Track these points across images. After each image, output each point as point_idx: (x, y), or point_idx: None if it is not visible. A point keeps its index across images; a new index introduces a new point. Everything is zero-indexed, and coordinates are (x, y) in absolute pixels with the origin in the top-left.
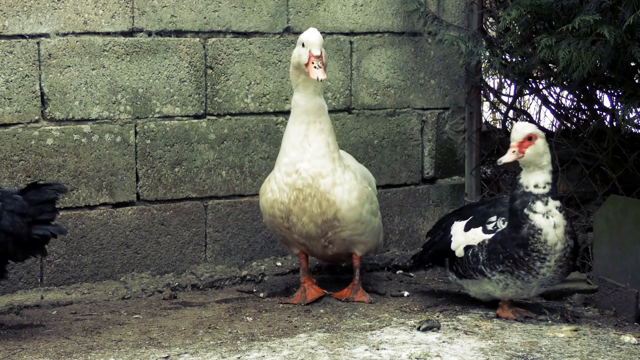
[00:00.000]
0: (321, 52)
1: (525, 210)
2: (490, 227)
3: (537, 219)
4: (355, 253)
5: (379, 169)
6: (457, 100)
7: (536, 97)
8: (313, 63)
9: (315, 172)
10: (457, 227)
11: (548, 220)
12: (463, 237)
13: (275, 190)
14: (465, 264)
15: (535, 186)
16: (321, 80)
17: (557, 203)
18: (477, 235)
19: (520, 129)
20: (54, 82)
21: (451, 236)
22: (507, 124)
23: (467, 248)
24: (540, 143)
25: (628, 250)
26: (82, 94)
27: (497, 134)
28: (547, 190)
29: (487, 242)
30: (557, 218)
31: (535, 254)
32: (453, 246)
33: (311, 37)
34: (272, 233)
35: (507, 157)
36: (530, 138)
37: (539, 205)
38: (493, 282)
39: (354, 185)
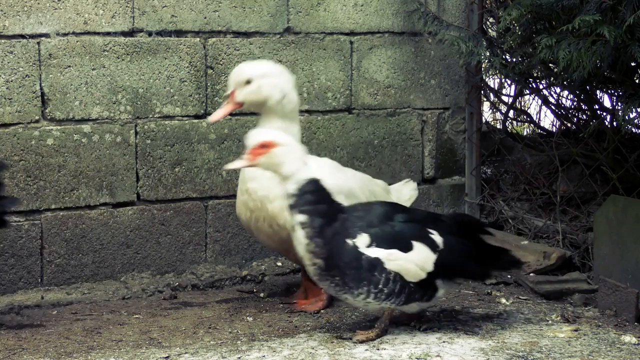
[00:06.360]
0: (234, 90)
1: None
2: None
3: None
4: None
5: (379, 169)
6: (458, 100)
7: (536, 97)
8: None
9: (263, 195)
10: None
11: (295, 233)
12: None
13: (238, 204)
14: None
15: (286, 193)
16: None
17: (301, 218)
18: None
19: (252, 137)
20: (54, 82)
21: None
22: (507, 124)
23: None
24: (276, 152)
25: (628, 250)
26: (82, 94)
27: (497, 134)
28: (290, 202)
29: None
30: (299, 234)
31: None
32: None
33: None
34: None
35: (236, 164)
36: (264, 146)
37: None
38: None
39: None
